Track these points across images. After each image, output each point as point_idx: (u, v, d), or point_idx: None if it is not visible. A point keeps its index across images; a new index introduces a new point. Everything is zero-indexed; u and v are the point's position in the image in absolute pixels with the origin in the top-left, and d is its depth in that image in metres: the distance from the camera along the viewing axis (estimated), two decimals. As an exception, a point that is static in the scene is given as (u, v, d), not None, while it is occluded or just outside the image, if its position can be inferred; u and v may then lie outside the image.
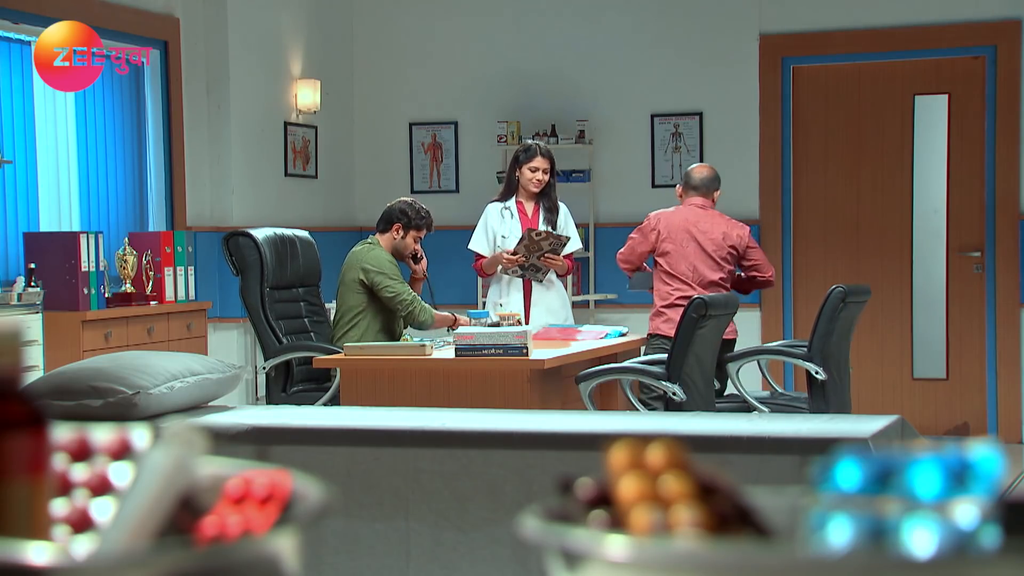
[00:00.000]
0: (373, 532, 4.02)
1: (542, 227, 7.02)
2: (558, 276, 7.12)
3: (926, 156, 8.89)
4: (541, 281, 7.01)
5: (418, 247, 6.93)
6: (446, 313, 6.88)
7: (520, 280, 7.05)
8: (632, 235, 7.04)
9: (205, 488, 1.29)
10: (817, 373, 6.01)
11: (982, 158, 8.64)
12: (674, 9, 8.96)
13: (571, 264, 7.18)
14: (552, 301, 7.12)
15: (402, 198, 7.06)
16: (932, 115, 8.88)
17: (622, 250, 7.09)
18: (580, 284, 9.08)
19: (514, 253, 6.90)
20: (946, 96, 8.80)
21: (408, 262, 6.94)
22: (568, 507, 1.21)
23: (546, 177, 7.05)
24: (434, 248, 7.14)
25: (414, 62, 9.43)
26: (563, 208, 7.17)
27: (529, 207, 7.11)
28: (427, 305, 6.75)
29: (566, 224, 7.13)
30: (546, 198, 7.10)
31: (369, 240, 6.93)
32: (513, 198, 7.10)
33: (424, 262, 7.00)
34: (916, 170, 8.86)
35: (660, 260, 6.93)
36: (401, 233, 6.84)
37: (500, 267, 6.99)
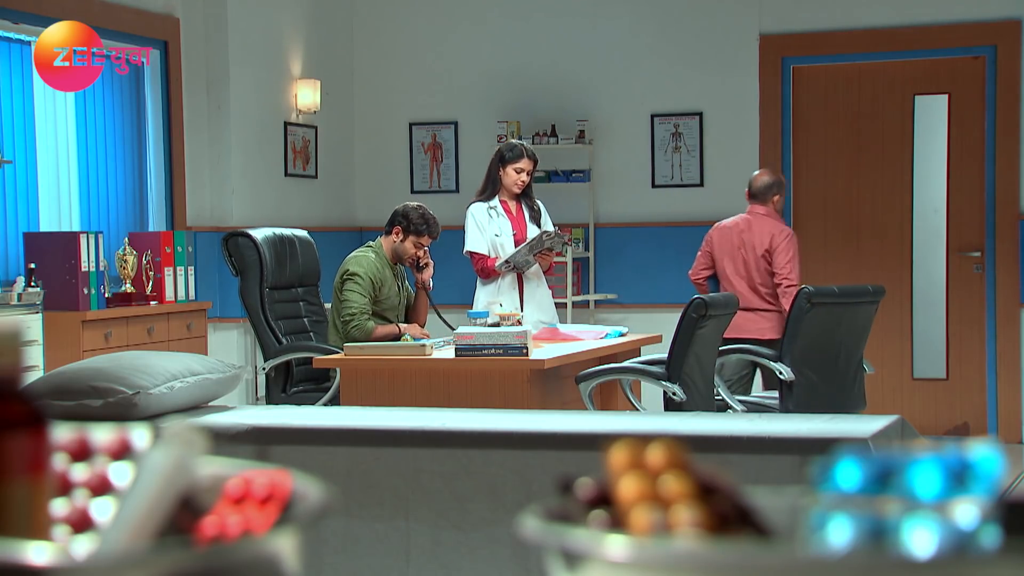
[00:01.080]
0: (373, 532, 4.02)
1: (529, 225, 7.02)
2: (543, 271, 7.14)
3: (926, 156, 8.89)
4: (523, 272, 7.00)
5: (421, 253, 6.85)
6: (391, 327, 6.76)
7: (515, 279, 7.04)
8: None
9: (205, 488, 1.29)
10: (780, 373, 5.98)
11: (982, 158, 8.64)
12: (674, 9, 8.96)
13: (552, 262, 7.20)
14: (542, 299, 7.13)
15: (412, 202, 6.97)
16: (932, 115, 8.88)
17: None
18: (580, 284, 9.08)
19: (508, 259, 6.88)
20: (946, 96, 8.81)
21: (413, 268, 6.89)
22: (568, 507, 1.21)
23: (528, 179, 7.05)
24: (434, 248, 7.11)
25: (414, 62, 9.43)
26: (542, 206, 7.18)
27: (513, 206, 7.10)
28: (369, 324, 6.60)
29: (546, 223, 7.14)
30: (527, 197, 7.10)
31: (369, 243, 6.91)
32: (496, 198, 7.08)
33: (428, 272, 6.90)
34: (916, 170, 8.86)
35: (715, 268, 7.46)
36: (400, 237, 6.79)
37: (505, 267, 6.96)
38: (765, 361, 6.19)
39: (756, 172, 7.60)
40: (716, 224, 7.50)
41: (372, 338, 6.55)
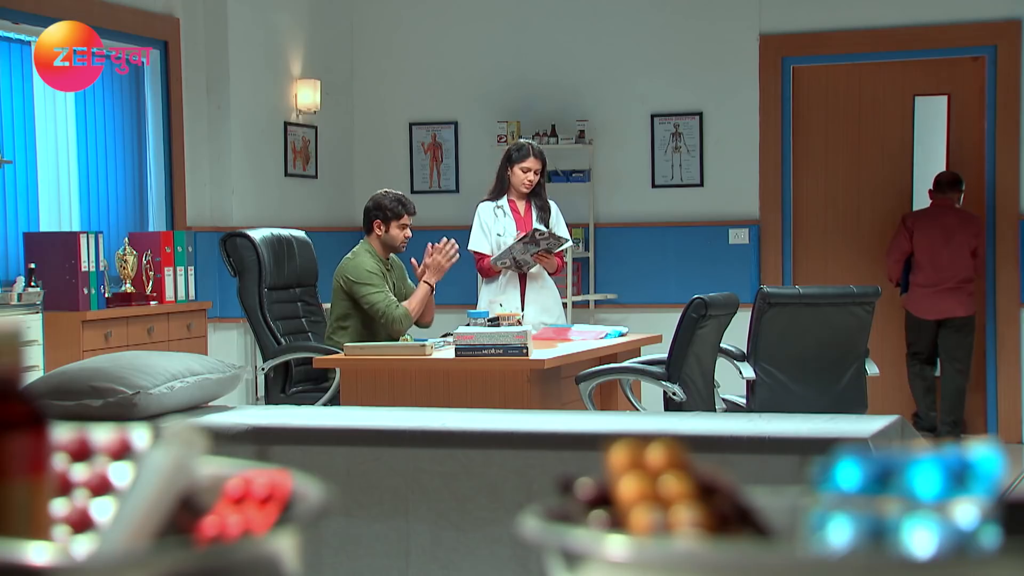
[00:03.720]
0: (373, 532, 4.02)
1: (536, 225, 7.00)
2: (549, 274, 7.11)
3: (925, 156, 8.90)
4: (525, 272, 6.99)
5: (408, 233, 6.78)
6: (418, 293, 6.68)
7: (516, 279, 7.03)
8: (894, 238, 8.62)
9: (205, 488, 1.29)
10: (741, 373, 5.95)
11: (982, 159, 8.65)
12: (674, 9, 8.96)
13: (561, 263, 7.17)
14: (546, 300, 7.10)
15: (375, 193, 6.89)
16: (932, 115, 8.88)
17: (888, 249, 8.65)
18: (580, 284, 9.08)
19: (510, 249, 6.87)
20: (946, 97, 8.81)
21: (416, 266, 6.83)
22: (568, 507, 1.21)
23: (537, 177, 7.03)
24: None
25: (414, 62, 9.43)
26: (554, 206, 7.15)
27: (521, 205, 7.09)
28: (400, 310, 6.54)
29: (557, 222, 7.12)
30: (537, 197, 7.08)
31: (357, 246, 6.84)
32: (504, 197, 7.08)
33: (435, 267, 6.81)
34: (916, 170, 8.87)
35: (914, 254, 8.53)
36: (383, 228, 6.76)
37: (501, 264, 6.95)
38: (732, 360, 6.13)
39: (940, 171, 8.61)
40: (908, 214, 8.58)
41: (414, 311, 6.60)
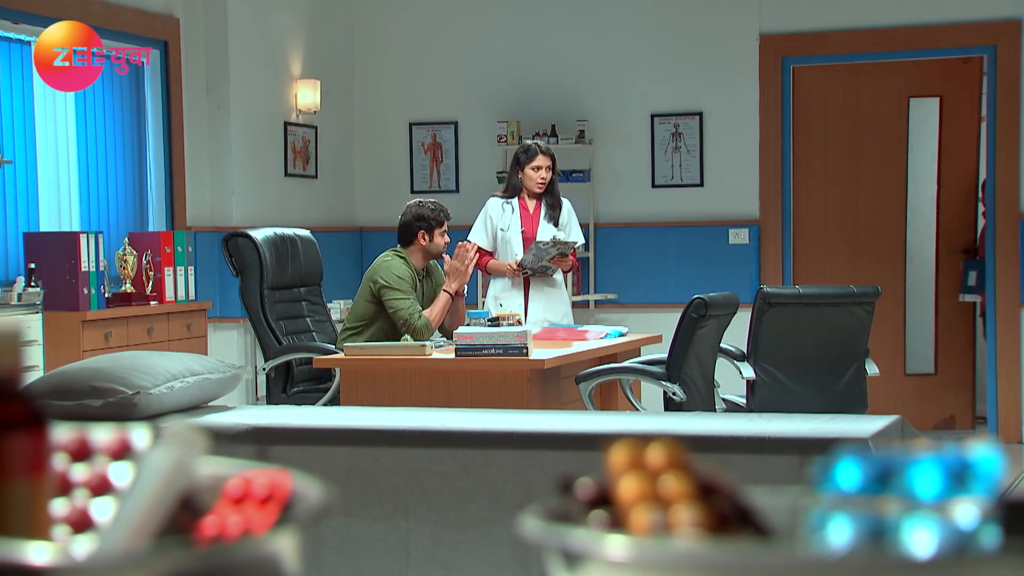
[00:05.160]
0: (373, 532, 4.02)
1: (544, 224, 7.01)
2: (564, 272, 7.15)
3: (923, 156, 8.91)
4: (551, 275, 7.02)
5: (447, 239, 6.74)
6: (439, 302, 6.60)
7: (521, 277, 7.05)
8: None
9: (205, 488, 1.29)
10: (741, 373, 5.95)
11: (973, 160, 8.72)
12: (674, 9, 8.96)
13: (575, 261, 7.19)
14: (551, 299, 7.10)
15: (409, 204, 6.81)
16: (931, 115, 8.90)
17: None
18: (580, 284, 9.08)
19: (520, 264, 6.89)
20: (946, 97, 8.82)
21: (447, 264, 6.74)
22: (568, 507, 1.21)
23: (549, 175, 7.05)
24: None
25: (414, 62, 9.43)
26: (567, 203, 7.15)
27: (531, 204, 7.10)
28: (422, 321, 6.46)
29: (569, 219, 7.12)
30: (548, 195, 7.09)
31: (395, 248, 6.74)
32: (516, 196, 7.10)
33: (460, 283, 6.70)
34: (910, 170, 8.90)
35: None
36: (427, 238, 6.67)
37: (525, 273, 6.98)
38: (732, 360, 6.12)
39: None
40: None
41: (435, 321, 6.50)
